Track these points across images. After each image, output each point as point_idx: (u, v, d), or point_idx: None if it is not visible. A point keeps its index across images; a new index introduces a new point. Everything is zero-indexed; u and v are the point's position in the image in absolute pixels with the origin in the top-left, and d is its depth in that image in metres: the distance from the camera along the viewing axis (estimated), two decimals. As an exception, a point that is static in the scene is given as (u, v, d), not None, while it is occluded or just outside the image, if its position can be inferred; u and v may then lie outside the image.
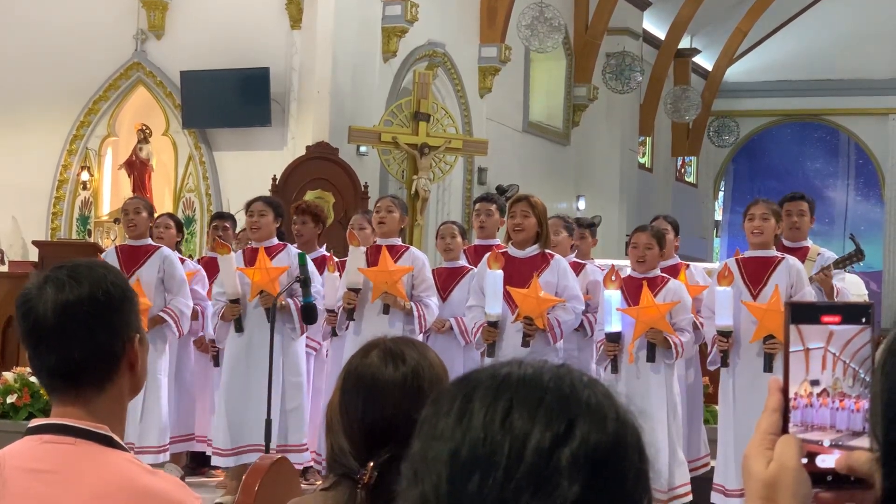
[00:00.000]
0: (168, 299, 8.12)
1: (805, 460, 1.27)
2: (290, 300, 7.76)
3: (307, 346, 8.42)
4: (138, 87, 14.79)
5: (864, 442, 1.27)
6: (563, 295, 7.33)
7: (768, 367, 6.88)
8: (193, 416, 8.73)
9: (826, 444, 1.28)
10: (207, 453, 8.32)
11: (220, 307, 7.93)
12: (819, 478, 1.27)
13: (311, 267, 7.80)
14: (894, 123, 24.62)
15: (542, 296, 7.22)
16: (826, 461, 1.28)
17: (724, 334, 7.02)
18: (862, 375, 1.28)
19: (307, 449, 8.00)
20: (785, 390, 1.29)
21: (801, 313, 1.31)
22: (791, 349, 1.30)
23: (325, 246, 8.81)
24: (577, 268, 8.01)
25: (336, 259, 8.39)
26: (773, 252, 7.13)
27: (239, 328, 7.89)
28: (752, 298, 7.03)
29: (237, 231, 9.43)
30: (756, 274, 7.08)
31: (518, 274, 7.31)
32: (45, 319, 2.15)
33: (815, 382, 1.29)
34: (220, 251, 7.96)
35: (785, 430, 1.29)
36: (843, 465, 1.27)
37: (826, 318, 1.30)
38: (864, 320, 1.29)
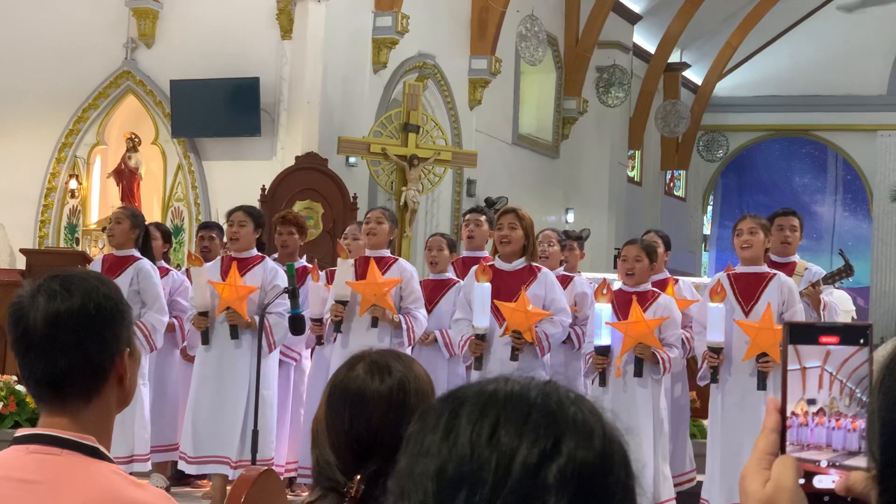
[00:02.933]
0: (142, 313, 8.01)
1: (802, 480, 1.26)
2: (268, 316, 7.65)
3: (287, 356, 8.39)
4: (128, 96, 14.76)
5: (861, 461, 1.27)
6: (551, 308, 7.32)
7: (762, 385, 6.86)
8: (176, 426, 8.68)
9: (823, 463, 1.28)
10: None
11: (192, 314, 7.98)
12: (816, 499, 1.27)
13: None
14: (882, 139, 24.69)
15: (530, 309, 7.20)
16: (823, 482, 1.27)
17: (715, 350, 7.00)
18: (859, 395, 1.28)
19: (273, 464, 7.88)
20: (783, 410, 1.29)
21: (800, 334, 1.30)
22: (788, 368, 1.30)
23: (304, 257, 8.78)
24: (566, 280, 8.01)
25: (321, 271, 8.35)
26: (765, 268, 7.12)
27: (205, 340, 7.88)
28: (744, 315, 7.00)
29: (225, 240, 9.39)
30: (748, 290, 7.06)
31: (505, 287, 7.29)
32: (35, 328, 2.15)
33: (811, 401, 1.29)
34: (191, 263, 8.01)
35: (783, 450, 1.29)
36: (842, 489, 1.27)
37: (824, 339, 1.29)
38: (861, 341, 1.29)
